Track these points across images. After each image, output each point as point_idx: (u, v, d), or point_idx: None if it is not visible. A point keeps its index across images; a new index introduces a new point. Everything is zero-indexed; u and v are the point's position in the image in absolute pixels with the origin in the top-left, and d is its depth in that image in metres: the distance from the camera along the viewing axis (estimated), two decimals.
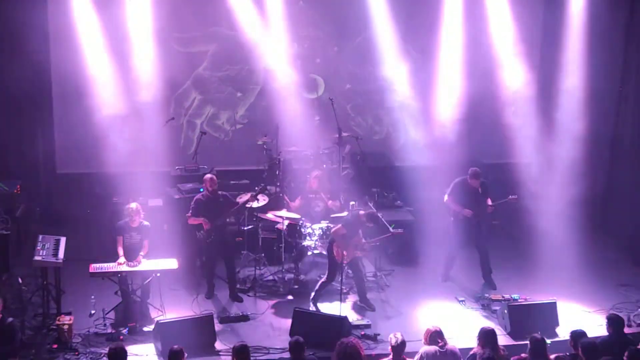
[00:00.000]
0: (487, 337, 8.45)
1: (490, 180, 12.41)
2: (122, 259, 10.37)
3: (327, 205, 12.02)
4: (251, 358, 8.41)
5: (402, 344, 8.29)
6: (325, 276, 10.84)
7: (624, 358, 8.09)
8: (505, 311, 10.35)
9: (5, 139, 13.67)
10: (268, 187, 12.76)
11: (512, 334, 10.10)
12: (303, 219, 11.68)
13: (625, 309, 10.77)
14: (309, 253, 11.59)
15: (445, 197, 11.72)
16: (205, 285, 11.29)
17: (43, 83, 13.92)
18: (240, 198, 12.07)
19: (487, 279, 11.65)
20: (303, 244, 11.55)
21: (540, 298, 10.89)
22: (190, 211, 11.09)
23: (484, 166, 14.54)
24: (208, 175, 11.26)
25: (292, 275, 11.61)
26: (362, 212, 10.88)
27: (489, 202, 11.65)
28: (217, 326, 10.06)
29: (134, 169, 13.72)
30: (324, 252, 11.23)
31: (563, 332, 10.06)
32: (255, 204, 11.64)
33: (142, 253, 10.51)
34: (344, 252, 10.50)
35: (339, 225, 10.70)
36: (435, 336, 8.44)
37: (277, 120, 13.33)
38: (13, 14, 13.15)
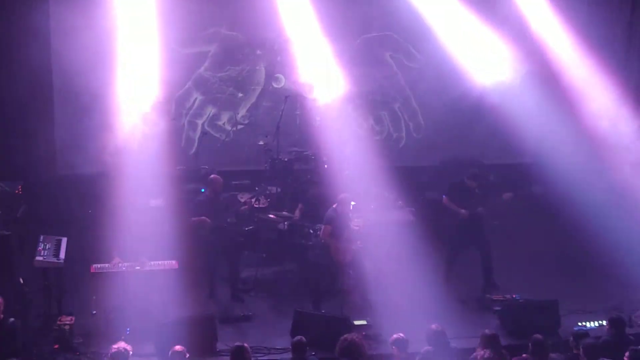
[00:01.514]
0: (489, 340, 8.44)
1: (492, 181, 12.41)
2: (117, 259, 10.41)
3: None
4: (252, 359, 8.40)
5: (404, 341, 8.34)
6: (327, 279, 10.83)
7: (625, 358, 8.09)
8: (507, 311, 10.36)
9: (7, 140, 13.68)
10: (269, 188, 12.77)
11: (513, 334, 10.09)
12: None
13: (626, 309, 10.75)
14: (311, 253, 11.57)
15: (444, 198, 11.70)
16: (207, 285, 11.29)
17: (44, 84, 13.93)
18: (242, 197, 12.09)
19: (489, 279, 11.62)
20: (305, 243, 11.57)
21: (541, 297, 10.91)
22: (192, 211, 11.09)
23: (485, 167, 14.64)
24: (214, 176, 11.25)
25: (293, 276, 11.61)
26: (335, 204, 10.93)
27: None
28: (218, 326, 10.04)
29: (135, 170, 13.74)
30: (324, 252, 11.23)
31: (565, 332, 10.06)
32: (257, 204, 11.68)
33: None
34: (342, 251, 10.49)
35: (323, 226, 10.71)
36: (437, 336, 8.44)
37: (277, 121, 13.32)
38: (13, 15, 13.16)
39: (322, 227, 10.78)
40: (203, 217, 10.89)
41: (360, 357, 8.11)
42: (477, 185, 11.46)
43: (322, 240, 10.83)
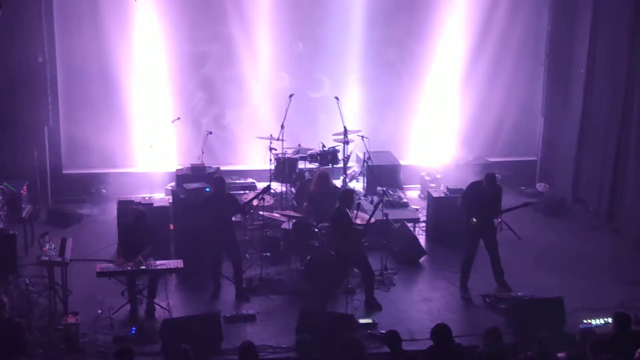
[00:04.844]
0: (492, 336, 8.44)
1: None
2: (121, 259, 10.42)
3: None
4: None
5: (394, 336, 8.36)
6: (333, 277, 10.80)
7: (637, 354, 8.07)
8: (512, 309, 10.34)
9: (12, 141, 13.72)
10: (273, 188, 12.77)
11: (518, 332, 10.07)
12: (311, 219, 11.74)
13: (632, 306, 10.72)
14: (317, 251, 11.54)
15: (459, 200, 11.48)
16: (212, 284, 11.30)
17: (49, 83, 13.96)
18: (246, 197, 12.07)
19: (500, 281, 11.51)
20: (309, 242, 11.57)
21: (547, 295, 10.89)
22: (198, 210, 11.08)
23: (488, 164, 14.65)
24: (217, 175, 11.23)
25: (298, 274, 11.60)
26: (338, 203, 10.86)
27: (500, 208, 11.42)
28: (224, 325, 10.05)
29: (140, 169, 13.77)
30: (330, 251, 11.23)
31: (570, 330, 10.04)
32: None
33: (142, 254, 10.50)
34: (349, 249, 10.47)
35: (330, 227, 10.65)
36: (442, 334, 8.43)
37: (282, 119, 13.32)
38: (16, 10, 13.18)
39: (329, 228, 10.72)
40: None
41: (360, 356, 8.10)
42: (493, 190, 11.20)
43: (331, 241, 10.76)
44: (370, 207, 11.56)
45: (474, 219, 11.06)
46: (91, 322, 10.16)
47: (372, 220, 10.83)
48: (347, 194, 10.80)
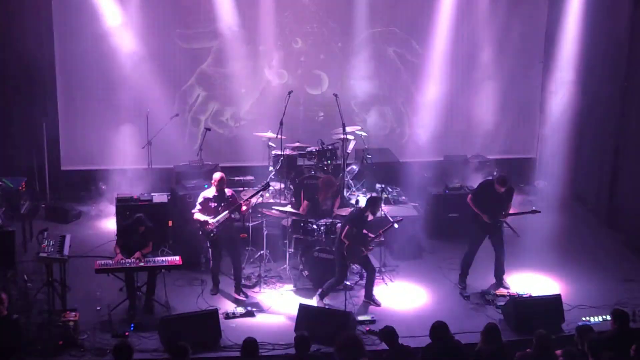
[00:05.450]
0: (490, 333, 8.45)
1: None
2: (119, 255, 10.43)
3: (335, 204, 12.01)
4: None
5: (390, 333, 8.36)
6: (336, 277, 10.80)
7: (631, 351, 8.08)
8: (511, 307, 10.34)
9: (10, 137, 13.70)
10: (272, 184, 12.77)
11: (517, 330, 10.09)
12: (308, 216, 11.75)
13: (630, 304, 10.74)
14: (315, 249, 11.56)
15: (469, 197, 11.45)
16: (210, 281, 11.30)
17: (48, 79, 13.95)
18: (245, 194, 12.05)
19: (499, 280, 11.50)
20: (308, 239, 11.57)
21: (545, 293, 10.90)
22: (197, 206, 11.06)
23: (488, 161, 14.64)
24: (218, 174, 11.17)
25: (297, 271, 11.61)
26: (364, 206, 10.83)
27: (510, 209, 11.30)
28: (222, 322, 10.06)
29: (138, 165, 13.75)
30: (328, 248, 11.23)
31: (568, 327, 10.06)
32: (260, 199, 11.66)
33: (142, 251, 10.48)
34: (355, 252, 10.48)
35: (347, 226, 10.62)
36: (440, 331, 8.44)
37: (281, 116, 13.31)
38: (15, 6, 13.16)
39: (346, 226, 10.67)
40: (205, 219, 10.87)
41: (359, 353, 8.11)
42: (505, 191, 11.15)
43: (342, 239, 10.70)
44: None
45: (486, 217, 11.04)
46: (90, 319, 10.17)
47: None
48: (376, 200, 10.81)
